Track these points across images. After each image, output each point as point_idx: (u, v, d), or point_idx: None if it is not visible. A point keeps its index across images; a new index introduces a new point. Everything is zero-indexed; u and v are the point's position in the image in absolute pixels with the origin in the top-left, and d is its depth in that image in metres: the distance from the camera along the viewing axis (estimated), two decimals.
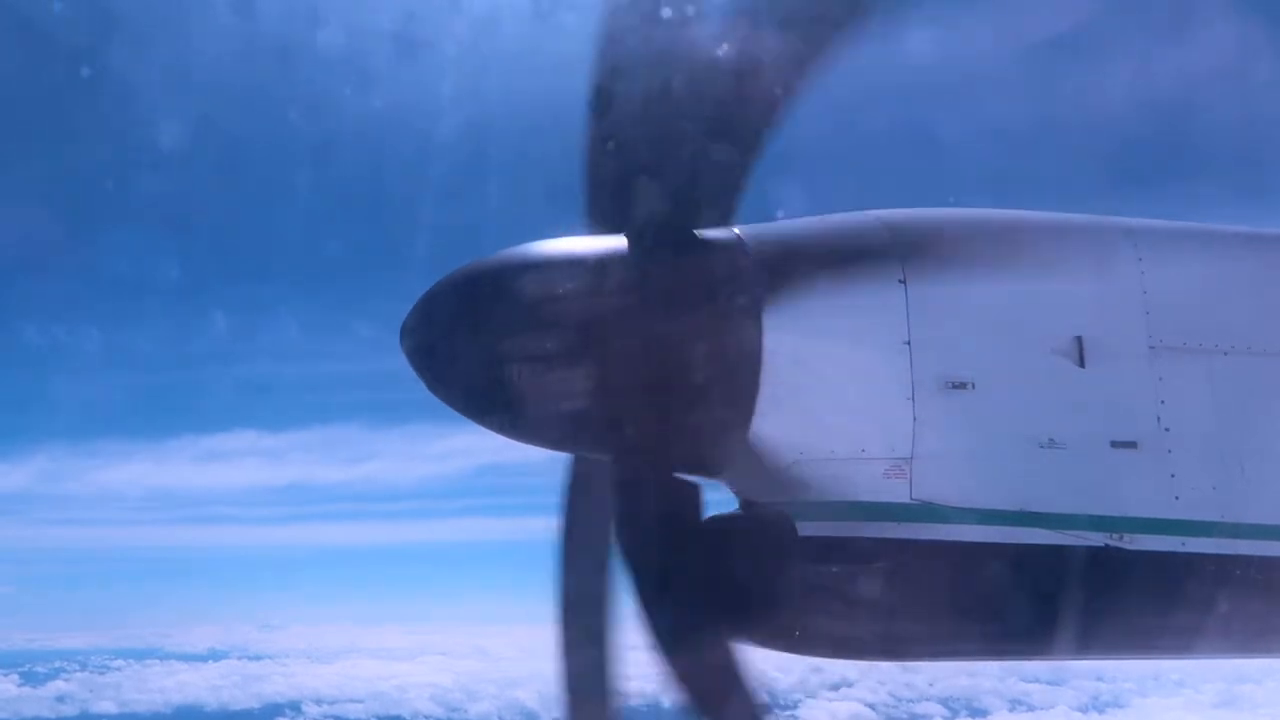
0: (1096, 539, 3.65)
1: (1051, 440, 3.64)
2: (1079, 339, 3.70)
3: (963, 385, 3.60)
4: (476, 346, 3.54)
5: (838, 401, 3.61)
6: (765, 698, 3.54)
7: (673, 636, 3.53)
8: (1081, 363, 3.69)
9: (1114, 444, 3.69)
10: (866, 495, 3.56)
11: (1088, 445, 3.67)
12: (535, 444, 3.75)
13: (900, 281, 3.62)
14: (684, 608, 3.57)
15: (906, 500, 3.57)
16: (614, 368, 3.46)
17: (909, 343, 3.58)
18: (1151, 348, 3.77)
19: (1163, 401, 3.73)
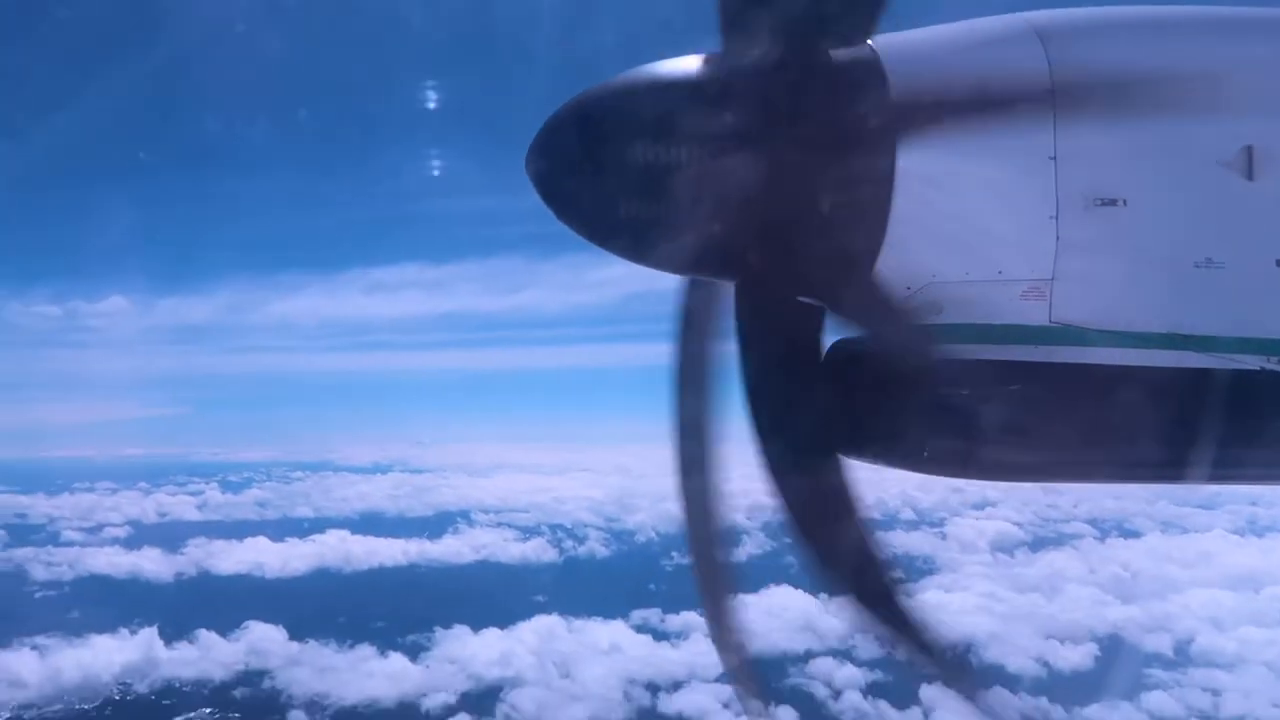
0: (1252, 362, 3.47)
1: (1209, 260, 3.41)
2: (1249, 149, 3.40)
3: (1112, 202, 3.39)
4: (596, 171, 3.52)
5: (974, 221, 3.46)
6: (873, 525, 3.58)
7: (796, 459, 3.61)
8: (1250, 175, 3.41)
9: (1279, 263, 3.45)
10: (1002, 318, 3.46)
11: (1249, 265, 3.42)
12: (658, 268, 3.77)
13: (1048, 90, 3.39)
14: (812, 429, 3.64)
15: (1045, 323, 3.46)
16: (736, 190, 3.41)
17: (1054, 157, 3.37)
18: None
19: None
